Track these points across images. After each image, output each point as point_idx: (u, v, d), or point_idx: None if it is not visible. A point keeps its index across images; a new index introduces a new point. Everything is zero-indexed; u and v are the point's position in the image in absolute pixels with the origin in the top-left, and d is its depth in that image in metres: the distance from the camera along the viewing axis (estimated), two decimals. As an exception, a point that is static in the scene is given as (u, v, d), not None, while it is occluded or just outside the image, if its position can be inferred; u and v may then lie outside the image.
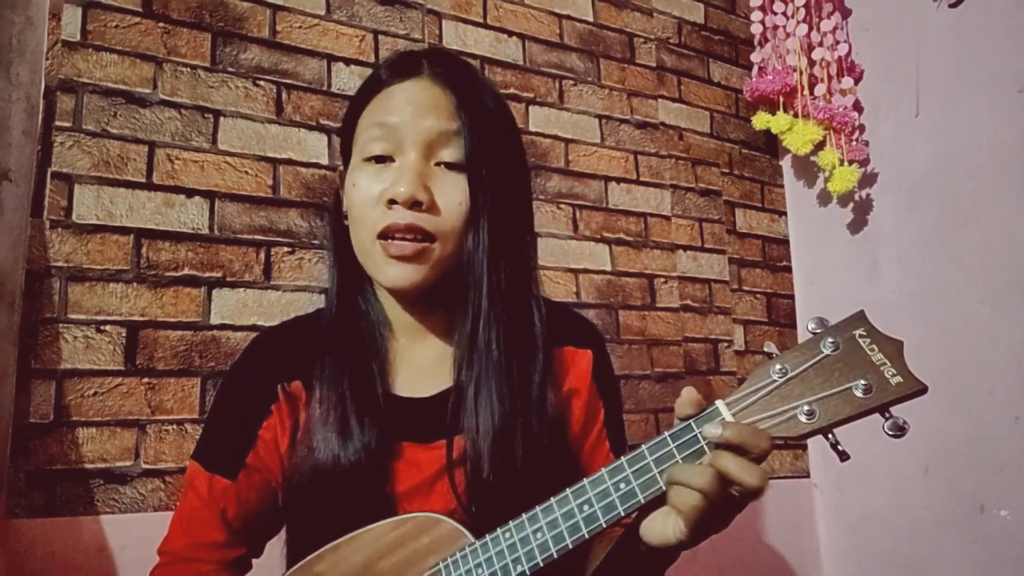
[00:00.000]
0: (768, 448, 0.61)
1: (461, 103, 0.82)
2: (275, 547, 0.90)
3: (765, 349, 0.67)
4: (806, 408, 0.62)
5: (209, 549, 0.83)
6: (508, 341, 0.82)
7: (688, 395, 0.66)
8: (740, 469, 0.60)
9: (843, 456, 0.63)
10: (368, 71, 1.47)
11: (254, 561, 0.89)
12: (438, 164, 0.81)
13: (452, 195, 0.80)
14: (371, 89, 0.86)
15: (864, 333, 0.65)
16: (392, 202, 0.79)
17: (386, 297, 0.88)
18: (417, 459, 0.82)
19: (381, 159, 0.82)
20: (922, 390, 0.61)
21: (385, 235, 0.79)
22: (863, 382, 0.62)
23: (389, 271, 0.80)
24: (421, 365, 0.87)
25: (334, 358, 0.84)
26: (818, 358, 0.64)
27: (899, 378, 0.62)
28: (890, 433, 0.61)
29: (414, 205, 0.78)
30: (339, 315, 0.87)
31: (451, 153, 0.81)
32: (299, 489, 0.80)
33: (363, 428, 0.79)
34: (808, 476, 1.89)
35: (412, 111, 0.81)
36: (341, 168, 0.91)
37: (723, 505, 0.62)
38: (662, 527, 0.65)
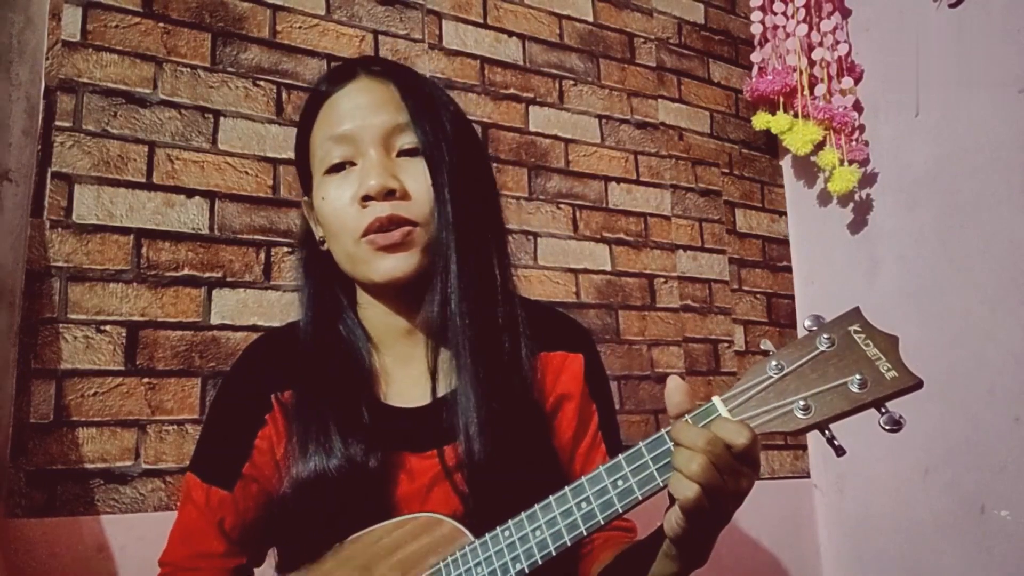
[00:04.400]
0: (744, 444, 0.60)
1: (405, 93, 0.83)
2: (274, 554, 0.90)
3: (762, 347, 0.68)
4: (801, 403, 0.63)
5: (209, 559, 0.83)
6: (483, 331, 0.81)
7: (675, 385, 0.65)
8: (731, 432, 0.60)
9: (839, 451, 0.63)
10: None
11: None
12: (399, 155, 0.82)
13: (421, 179, 0.81)
14: (314, 105, 0.86)
15: (859, 329, 0.65)
16: (366, 198, 0.79)
17: (373, 312, 0.87)
18: (410, 468, 0.81)
19: (341, 166, 0.82)
20: (917, 384, 0.61)
21: (368, 233, 0.79)
22: (858, 377, 0.62)
23: (381, 264, 0.80)
24: (413, 375, 0.87)
25: (315, 377, 0.83)
26: (814, 354, 0.65)
27: (894, 372, 0.62)
28: (886, 428, 0.61)
29: (388, 195, 0.79)
30: (316, 343, 0.85)
31: (408, 140, 0.81)
32: (290, 500, 0.80)
33: (347, 442, 0.79)
34: (808, 476, 1.89)
35: (360, 112, 0.82)
36: (305, 198, 0.89)
37: (717, 491, 0.61)
38: (667, 519, 0.65)
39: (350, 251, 0.81)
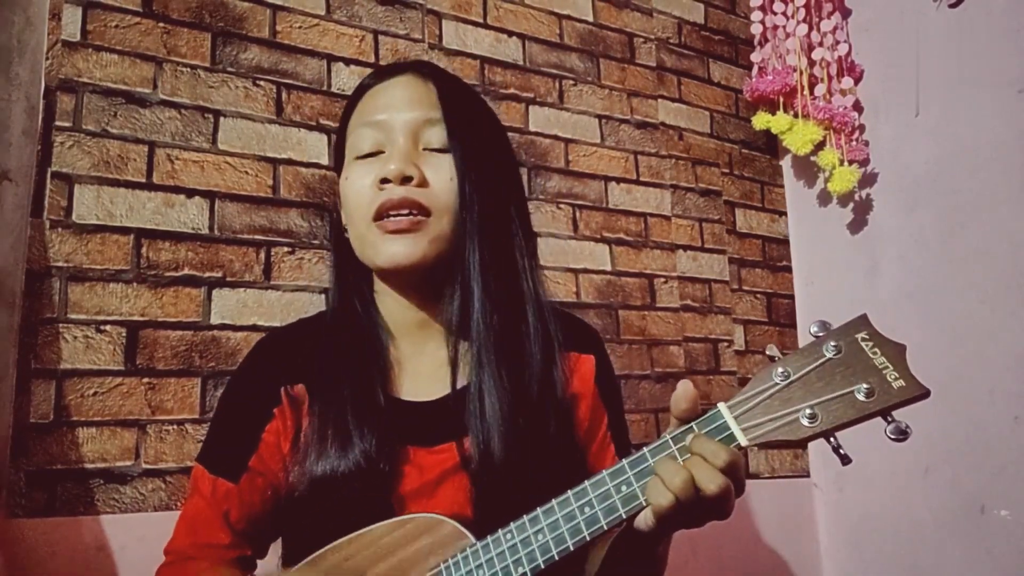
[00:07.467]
0: (724, 462, 0.62)
1: (442, 93, 0.86)
2: (277, 548, 0.90)
3: (767, 352, 0.67)
4: (808, 412, 0.62)
5: (213, 549, 0.83)
6: (505, 328, 0.83)
7: (683, 391, 0.66)
8: (704, 475, 0.62)
9: (845, 460, 0.63)
10: (369, 71, 1.48)
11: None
12: (426, 149, 0.84)
13: (442, 172, 0.83)
14: (356, 95, 0.90)
15: (867, 336, 0.65)
16: (384, 181, 0.81)
17: (389, 300, 0.88)
18: (421, 463, 0.82)
19: (371, 154, 0.85)
20: (924, 394, 0.61)
21: (380, 214, 0.81)
22: (865, 386, 0.62)
23: (387, 248, 0.81)
24: (425, 369, 0.87)
25: (333, 364, 0.84)
26: (820, 361, 0.64)
27: (901, 382, 0.62)
28: (892, 437, 0.61)
29: (405, 180, 0.81)
30: (339, 322, 0.88)
31: (437, 137, 0.84)
32: (300, 493, 0.80)
33: (363, 434, 0.79)
34: (808, 476, 1.89)
35: (396, 104, 0.85)
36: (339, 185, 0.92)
37: (691, 507, 0.63)
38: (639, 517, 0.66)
39: (362, 233, 0.84)
